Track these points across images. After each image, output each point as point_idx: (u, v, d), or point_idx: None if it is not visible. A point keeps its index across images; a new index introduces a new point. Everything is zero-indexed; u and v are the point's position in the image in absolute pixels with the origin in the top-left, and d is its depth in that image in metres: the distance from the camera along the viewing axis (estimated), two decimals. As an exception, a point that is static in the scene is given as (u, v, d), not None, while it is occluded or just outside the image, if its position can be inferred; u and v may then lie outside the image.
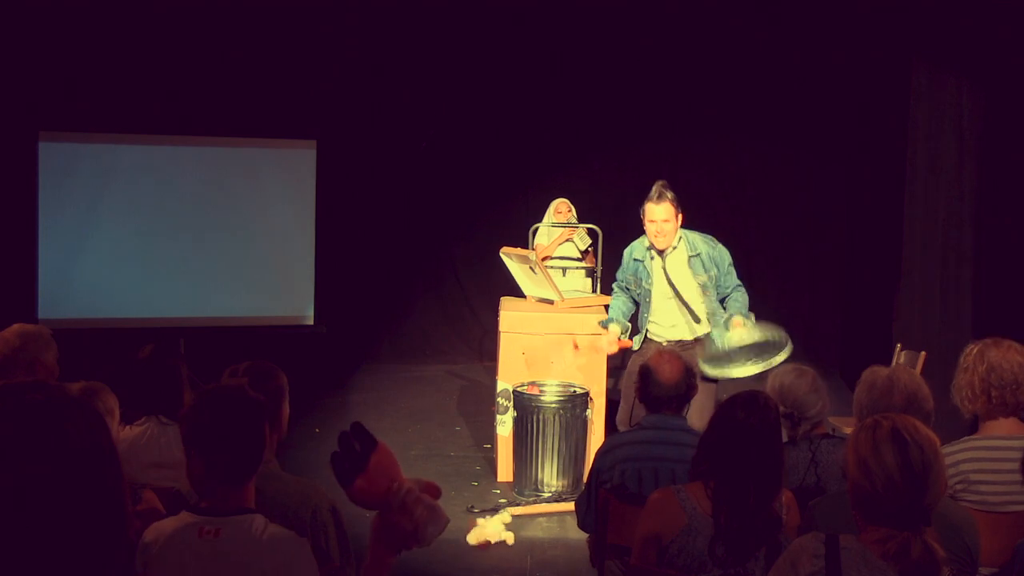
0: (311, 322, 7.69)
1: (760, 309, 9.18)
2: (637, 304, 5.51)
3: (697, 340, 5.35)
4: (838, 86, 8.73)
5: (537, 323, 6.10)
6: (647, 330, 5.42)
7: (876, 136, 8.19)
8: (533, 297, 6.55)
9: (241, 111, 7.90)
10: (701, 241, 5.37)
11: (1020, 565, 2.55)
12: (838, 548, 2.13)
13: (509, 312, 6.23)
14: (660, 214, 5.20)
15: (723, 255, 5.36)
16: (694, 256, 5.32)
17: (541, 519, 5.45)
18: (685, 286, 5.32)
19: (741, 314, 5.17)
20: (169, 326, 7.26)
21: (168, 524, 2.29)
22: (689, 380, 3.70)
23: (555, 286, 6.34)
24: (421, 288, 9.43)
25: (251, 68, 7.93)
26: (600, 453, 3.80)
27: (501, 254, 6.59)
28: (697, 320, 5.34)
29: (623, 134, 9.08)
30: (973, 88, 6.55)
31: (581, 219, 7.52)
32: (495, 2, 8.26)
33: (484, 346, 8.29)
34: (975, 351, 3.23)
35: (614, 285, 5.62)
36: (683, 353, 4.21)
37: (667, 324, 5.39)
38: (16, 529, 1.17)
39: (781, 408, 3.35)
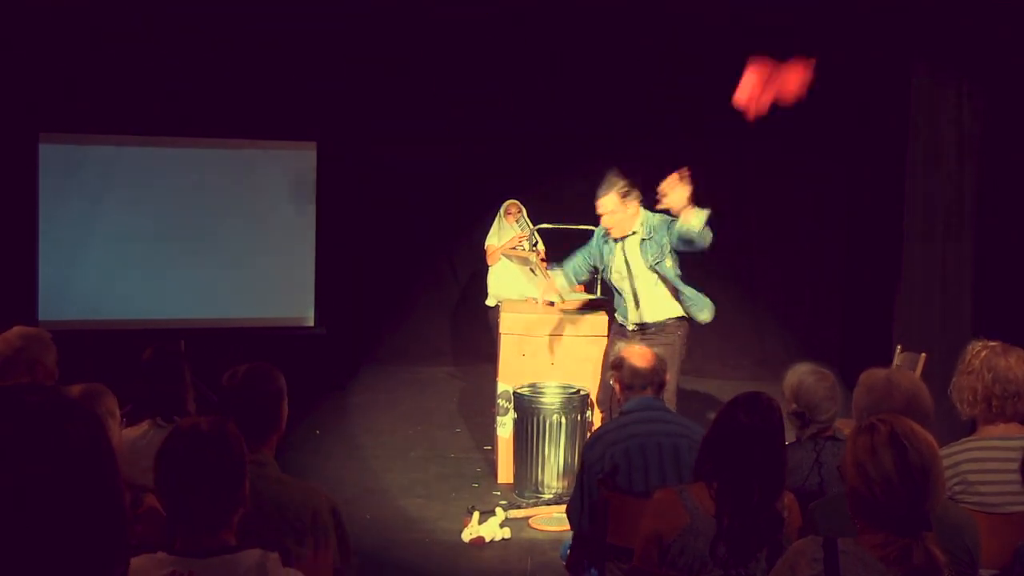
0: (311, 323, 7.70)
1: (760, 309, 9.31)
2: (595, 270, 5.74)
3: (640, 326, 5.47)
4: (838, 86, 8.72)
5: (537, 324, 6.10)
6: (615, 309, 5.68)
7: (876, 136, 8.19)
8: (533, 298, 6.54)
9: (241, 112, 7.90)
10: (659, 222, 5.42)
11: (1020, 567, 2.55)
12: (836, 552, 2.12)
13: (509, 313, 6.22)
14: (605, 206, 5.43)
15: (663, 223, 5.39)
16: (647, 240, 5.43)
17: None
18: (639, 269, 5.46)
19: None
20: (169, 327, 7.26)
21: (140, 563, 2.03)
22: (662, 365, 3.83)
23: (555, 287, 6.33)
24: (421, 289, 9.43)
25: (251, 69, 7.94)
26: (586, 447, 3.80)
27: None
28: (637, 305, 5.47)
29: (623, 135, 9.07)
30: (973, 88, 6.55)
31: (581, 221, 7.49)
32: (495, 2, 8.26)
33: (484, 347, 8.28)
34: (982, 355, 3.20)
35: (580, 249, 5.79)
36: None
37: (619, 304, 5.62)
38: (16, 530, 1.17)
39: (793, 406, 3.36)
